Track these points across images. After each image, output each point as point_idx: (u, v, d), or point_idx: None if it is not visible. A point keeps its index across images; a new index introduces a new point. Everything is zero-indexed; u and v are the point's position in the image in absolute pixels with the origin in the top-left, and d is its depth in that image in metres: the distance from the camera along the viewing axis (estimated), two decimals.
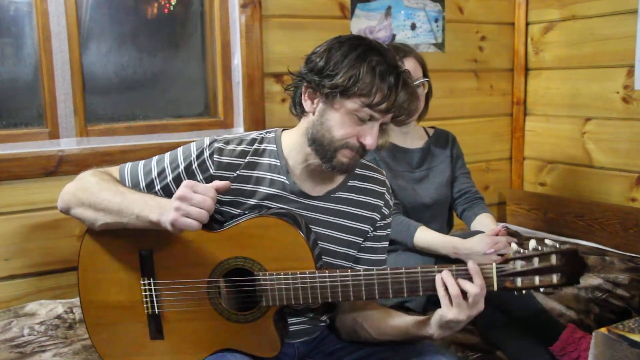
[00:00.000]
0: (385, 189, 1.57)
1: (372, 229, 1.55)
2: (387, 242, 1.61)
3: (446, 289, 1.31)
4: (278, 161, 1.47)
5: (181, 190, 1.26)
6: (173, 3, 2.49)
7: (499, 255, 1.92)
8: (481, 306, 1.32)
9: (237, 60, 2.52)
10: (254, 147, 1.47)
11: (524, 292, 1.34)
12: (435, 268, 1.34)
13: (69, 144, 2.25)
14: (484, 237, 1.95)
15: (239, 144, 1.47)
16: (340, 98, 1.36)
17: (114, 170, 1.50)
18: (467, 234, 2.04)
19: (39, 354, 1.74)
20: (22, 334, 1.87)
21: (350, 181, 1.52)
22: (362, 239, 1.54)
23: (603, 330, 1.39)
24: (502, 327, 1.87)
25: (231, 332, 1.41)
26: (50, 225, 2.15)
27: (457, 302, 1.30)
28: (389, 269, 1.36)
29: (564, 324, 1.89)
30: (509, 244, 1.95)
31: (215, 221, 1.46)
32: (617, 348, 1.35)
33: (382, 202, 1.55)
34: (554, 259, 1.32)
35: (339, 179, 1.51)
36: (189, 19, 2.54)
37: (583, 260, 1.33)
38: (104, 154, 2.26)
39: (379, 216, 1.55)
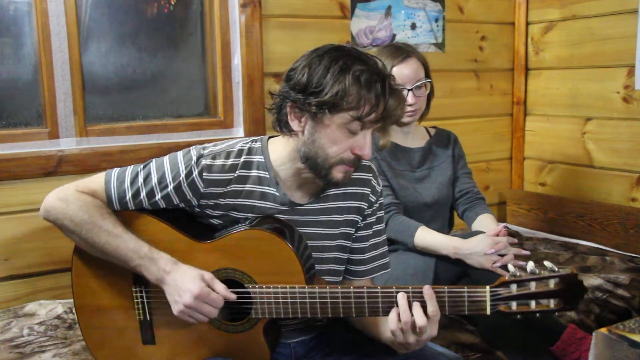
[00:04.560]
0: (371, 175, 1.55)
1: (361, 219, 1.54)
2: (382, 225, 1.60)
3: (398, 315, 1.30)
4: (267, 173, 1.44)
5: (199, 288, 1.32)
6: (173, 3, 2.49)
7: (499, 255, 1.92)
8: (432, 333, 1.30)
9: (237, 60, 2.52)
10: (242, 159, 1.44)
11: (519, 316, 1.31)
12: (445, 289, 1.32)
13: (68, 144, 2.25)
14: (484, 237, 1.95)
15: (227, 157, 1.43)
16: (329, 114, 1.32)
17: (98, 187, 1.44)
18: (467, 234, 2.03)
19: (39, 354, 1.74)
20: (22, 334, 1.87)
21: None
22: (353, 230, 1.54)
23: (603, 330, 1.38)
24: (503, 327, 1.86)
25: (221, 341, 1.42)
26: (50, 225, 2.13)
27: (405, 328, 1.29)
28: (379, 287, 1.33)
29: (565, 325, 1.89)
30: (510, 244, 1.95)
31: (206, 231, 1.45)
32: (617, 348, 1.35)
33: (369, 190, 1.54)
34: (552, 283, 1.29)
35: None
36: (189, 19, 2.54)
37: (582, 284, 1.30)
38: (103, 154, 2.25)
39: (367, 204, 1.54)
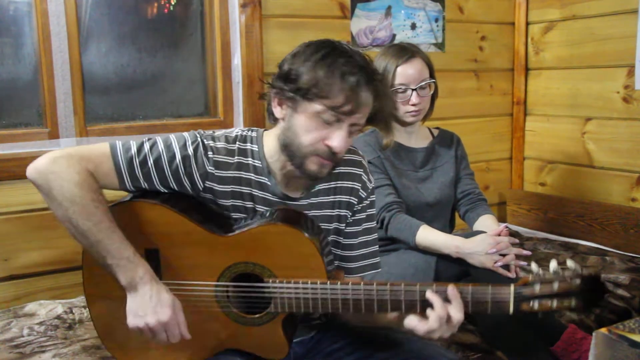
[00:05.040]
0: (362, 170, 1.55)
1: (350, 214, 1.54)
2: (373, 223, 1.59)
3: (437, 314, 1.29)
4: (260, 162, 1.45)
5: (168, 317, 1.30)
6: (173, 3, 2.49)
7: (500, 255, 1.92)
8: (456, 330, 1.31)
9: (237, 60, 2.52)
10: (238, 146, 1.45)
11: (539, 314, 1.31)
12: (469, 288, 1.31)
13: (68, 144, 2.25)
14: (486, 236, 1.95)
15: (227, 141, 1.45)
16: (304, 101, 1.34)
17: (104, 156, 1.37)
18: (469, 233, 2.04)
19: (39, 355, 1.74)
20: (22, 334, 1.87)
21: None
22: (343, 225, 1.54)
23: (603, 330, 1.39)
24: (503, 327, 1.87)
25: (238, 333, 1.41)
26: (50, 225, 2.15)
27: (441, 322, 1.28)
28: (403, 284, 1.32)
29: (565, 325, 1.89)
30: (511, 244, 1.95)
31: (224, 223, 1.44)
32: (617, 348, 1.35)
33: (360, 185, 1.54)
34: (574, 283, 1.29)
35: None
36: (189, 19, 2.54)
37: (604, 286, 1.30)
38: None
39: (356, 200, 1.54)
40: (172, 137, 1.43)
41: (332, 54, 1.33)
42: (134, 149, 1.39)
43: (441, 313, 1.28)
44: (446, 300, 1.29)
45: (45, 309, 2.05)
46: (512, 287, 1.30)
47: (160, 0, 2.46)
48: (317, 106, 1.33)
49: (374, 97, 1.36)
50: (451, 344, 1.85)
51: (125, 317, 1.40)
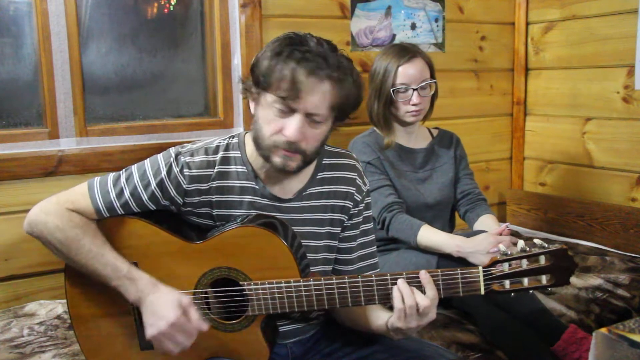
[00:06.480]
0: (356, 174, 1.55)
1: (347, 218, 1.54)
2: (370, 225, 1.59)
3: (402, 298, 1.30)
4: (244, 167, 1.45)
5: (175, 317, 1.29)
6: (173, 3, 2.49)
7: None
8: (432, 316, 1.32)
9: (237, 60, 2.52)
10: (220, 155, 1.45)
11: (512, 294, 1.33)
12: (439, 272, 1.33)
13: (68, 144, 2.25)
14: (487, 235, 1.95)
15: (206, 153, 1.45)
16: (262, 93, 1.36)
17: (81, 197, 1.42)
18: (470, 233, 2.04)
19: (39, 355, 1.74)
20: (22, 334, 1.87)
21: (319, 174, 1.51)
22: (339, 229, 1.54)
23: (603, 330, 1.39)
24: (504, 326, 1.87)
25: (220, 340, 1.41)
26: None
27: (409, 312, 1.29)
28: (374, 275, 1.34)
29: (565, 325, 1.89)
30: (513, 243, 1.95)
31: (198, 232, 1.45)
32: (617, 348, 1.35)
33: (354, 189, 1.53)
34: (542, 260, 1.31)
35: (306, 175, 1.49)
36: (189, 19, 2.54)
37: (572, 259, 1.32)
38: (103, 154, 2.25)
39: (352, 203, 1.53)
40: (147, 163, 1.45)
41: (286, 44, 1.33)
42: (110, 184, 1.43)
43: (408, 300, 1.29)
44: (417, 288, 1.31)
45: (45, 309, 2.05)
46: (480, 268, 1.32)
47: (160, 0, 2.46)
48: (269, 96, 1.34)
49: (332, 86, 1.33)
50: (451, 344, 1.85)
51: (112, 336, 1.44)
